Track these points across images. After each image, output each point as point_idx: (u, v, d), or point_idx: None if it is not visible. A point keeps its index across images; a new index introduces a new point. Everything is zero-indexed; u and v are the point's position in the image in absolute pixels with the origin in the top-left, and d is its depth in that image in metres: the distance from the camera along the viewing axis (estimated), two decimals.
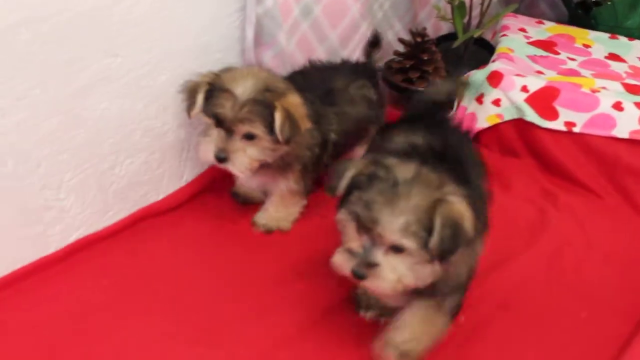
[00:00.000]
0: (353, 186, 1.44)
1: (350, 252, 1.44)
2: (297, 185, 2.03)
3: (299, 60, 2.32)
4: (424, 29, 2.62)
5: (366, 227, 1.40)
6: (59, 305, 1.77)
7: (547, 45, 2.85)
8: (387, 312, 1.71)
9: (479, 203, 1.53)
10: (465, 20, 2.68)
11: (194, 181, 2.22)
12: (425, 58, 2.56)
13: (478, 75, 2.56)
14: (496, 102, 2.47)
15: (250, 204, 2.16)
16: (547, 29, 3.01)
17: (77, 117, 1.77)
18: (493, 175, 2.36)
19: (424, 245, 1.37)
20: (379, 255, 1.41)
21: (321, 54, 2.41)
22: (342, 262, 1.45)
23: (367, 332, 1.70)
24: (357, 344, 1.70)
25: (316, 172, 2.07)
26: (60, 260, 1.90)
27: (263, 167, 1.91)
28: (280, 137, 1.80)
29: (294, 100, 1.85)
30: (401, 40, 2.65)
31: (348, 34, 2.49)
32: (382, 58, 2.31)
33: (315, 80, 2.08)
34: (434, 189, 1.39)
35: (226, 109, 1.78)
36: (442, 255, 1.39)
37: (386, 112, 2.35)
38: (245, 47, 2.13)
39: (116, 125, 1.87)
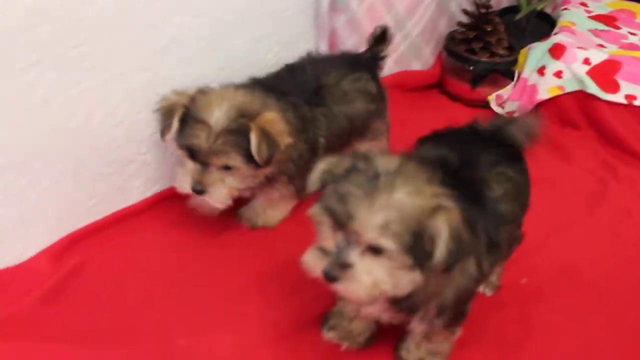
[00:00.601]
0: (328, 181, 1.28)
1: (322, 251, 1.27)
2: (286, 190, 1.93)
3: (367, 28, 2.38)
4: (488, 0, 2.65)
5: (341, 223, 1.22)
6: (136, 255, 1.86)
7: (607, 19, 2.87)
8: (351, 339, 1.59)
9: (488, 222, 1.38)
10: None
11: None
12: (489, 29, 2.60)
13: (540, 48, 2.60)
14: (557, 74, 2.51)
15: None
16: (608, 4, 3.02)
17: (158, 77, 1.85)
18: (552, 146, 2.44)
19: (406, 248, 1.20)
20: (354, 256, 1.23)
21: (388, 23, 2.47)
22: (313, 262, 1.28)
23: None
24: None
25: (307, 175, 1.82)
26: (140, 212, 1.99)
27: (246, 189, 1.83)
28: (258, 160, 1.69)
29: (270, 117, 1.72)
30: (465, 11, 2.68)
31: (413, 5, 2.55)
32: (388, 49, 2.12)
33: (304, 78, 1.93)
34: (423, 184, 1.23)
35: (200, 140, 1.67)
36: (448, 267, 1.23)
37: (387, 105, 2.16)
38: (319, 12, 2.19)
39: (196, 85, 1.91)
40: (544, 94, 2.55)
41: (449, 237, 1.19)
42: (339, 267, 1.24)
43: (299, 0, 2.14)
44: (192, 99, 1.71)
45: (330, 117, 1.92)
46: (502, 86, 2.66)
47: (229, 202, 1.78)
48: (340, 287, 1.26)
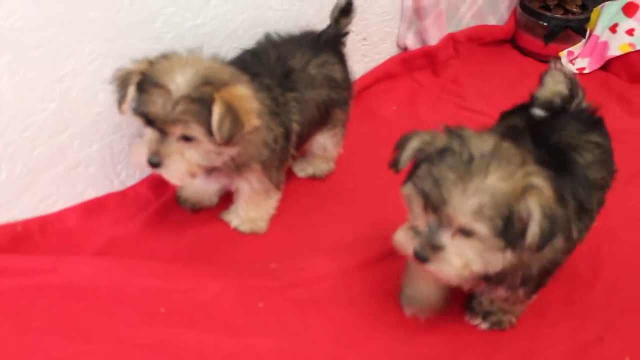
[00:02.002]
0: (422, 159, 1.28)
1: (414, 230, 1.29)
2: (261, 185, 1.75)
3: None
4: None
5: (434, 206, 1.23)
6: None
7: None
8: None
9: (579, 188, 1.39)
10: None
11: None
12: None
13: (614, 6, 2.69)
14: (630, 32, 2.60)
15: (201, 209, 1.89)
16: None
17: (262, 16, 1.98)
18: (623, 101, 2.53)
19: (498, 231, 1.21)
20: (445, 238, 1.25)
21: None
22: (404, 241, 1.30)
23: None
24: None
25: (282, 166, 1.79)
26: None
27: (214, 170, 1.65)
28: (217, 137, 1.50)
29: (239, 93, 1.53)
30: None
31: None
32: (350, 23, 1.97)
33: (270, 60, 1.76)
34: (516, 167, 1.22)
35: (157, 107, 1.47)
36: (539, 248, 1.23)
37: (352, 93, 2.02)
38: None
39: (292, 26, 1.99)
40: (615, 51, 2.64)
41: (541, 217, 1.19)
42: (430, 248, 1.26)
43: None
44: (152, 63, 1.53)
45: (302, 102, 1.77)
46: (574, 43, 2.76)
47: (188, 179, 1.58)
48: (431, 267, 1.28)
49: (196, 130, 1.49)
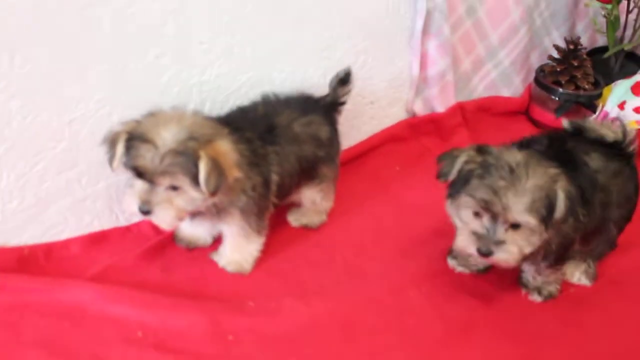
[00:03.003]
0: (466, 173, 1.64)
1: (474, 233, 1.64)
2: (241, 229, 1.88)
3: (460, 54, 2.64)
4: (578, 38, 2.85)
5: (489, 209, 1.59)
6: None
7: None
8: (468, 267, 2.01)
9: (585, 184, 1.73)
10: (619, 34, 2.90)
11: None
12: (575, 64, 2.80)
13: (623, 84, 2.77)
14: (637, 110, 2.68)
15: (196, 248, 2.04)
16: None
17: (267, 77, 2.15)
18: None
19: (542, 219, 1.59)
20: (502, 233, 1.61)
21: (480, 51, 2.73)
22: (466, 244, 1.66)
23: None
24: None
25: (262, 213, 1.92)
26: None
27: (198, 213, 1.80)
28: (205, 190, 1.64)
29: (221, 148, 1.68)
30: (556, 47, 2.89)
31: (507, 36, 2.80)
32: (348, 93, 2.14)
33: (257, 116, 1.92)
34: (544, 168, 1.61)
35: (146, 160, 1.61)
36: (564, 220, 1.63)
37: (339, 151, 2.18)
38: (413, 35, 2.46)
39: (297, 87, 2.18)
40: None
41: (565, 197, 1.59)
42: (494, 244, 1.61)
43: (397, 22, 2.41)
44: (139, 122, 1.68)
45: (282, 155, 1.90)
46: (585, 117, 2.84)
47: (177, 223, 1.77)
48: (494, 259, 1.65)
49: (182, 181, 1.64)
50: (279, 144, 1.90)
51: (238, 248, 1.94)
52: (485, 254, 1.63)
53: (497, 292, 1.94)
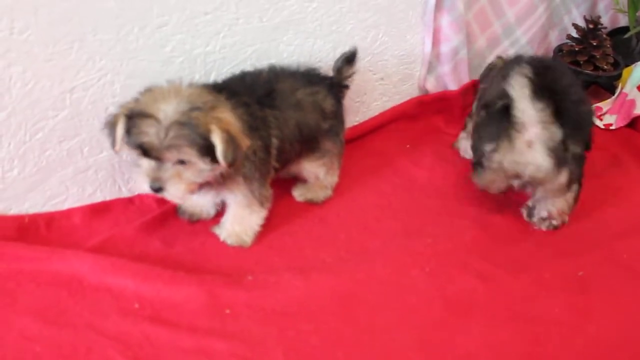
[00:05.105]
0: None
1: None
2: (244, 198, 1.87)
3: (475, 31, 2.58)
4: (598, 17, 2.79)
5: None
6: None
7: None
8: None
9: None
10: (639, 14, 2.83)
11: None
12: (595, 44, 2.74)
13: None
14: None
15: (199, 220, 2.04)
16: None
17: (274, 49, 2.12)
18: None
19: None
20: None
21: (496, 28, 2.67)
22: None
23: None
24: None
25: (264, 179, 1.90)
26: None
27: (204, 184, 1.77)
28: (224, 164, 1.65)
29: (228, 118, 1.67)
30: (575, 26, 2.83)
31: (524, 14, 2.74)
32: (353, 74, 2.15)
33: (257, 81, 1.92)
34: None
35: (150, 136, 1.59)
36: None
37: (344, 127, 2.17)
38: (426, 10, 2.41)
39: (305, 61, 2.17)
40: None
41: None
42: None
43: None
44: (136, 100, 1.66)
45: (281, 120, 1.89)
46: (603, 99, 2.78)
47: (188, 196, 1.77)
48: None
49: (189, 154, 1.62)
50: (278, 109, 1.89)
51: (240, 220, 1.93)
52: None
53: (501, 275, 1.90)
